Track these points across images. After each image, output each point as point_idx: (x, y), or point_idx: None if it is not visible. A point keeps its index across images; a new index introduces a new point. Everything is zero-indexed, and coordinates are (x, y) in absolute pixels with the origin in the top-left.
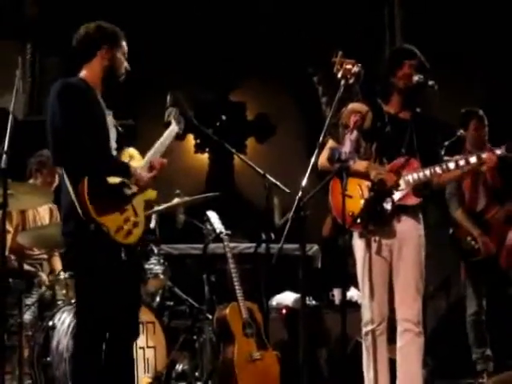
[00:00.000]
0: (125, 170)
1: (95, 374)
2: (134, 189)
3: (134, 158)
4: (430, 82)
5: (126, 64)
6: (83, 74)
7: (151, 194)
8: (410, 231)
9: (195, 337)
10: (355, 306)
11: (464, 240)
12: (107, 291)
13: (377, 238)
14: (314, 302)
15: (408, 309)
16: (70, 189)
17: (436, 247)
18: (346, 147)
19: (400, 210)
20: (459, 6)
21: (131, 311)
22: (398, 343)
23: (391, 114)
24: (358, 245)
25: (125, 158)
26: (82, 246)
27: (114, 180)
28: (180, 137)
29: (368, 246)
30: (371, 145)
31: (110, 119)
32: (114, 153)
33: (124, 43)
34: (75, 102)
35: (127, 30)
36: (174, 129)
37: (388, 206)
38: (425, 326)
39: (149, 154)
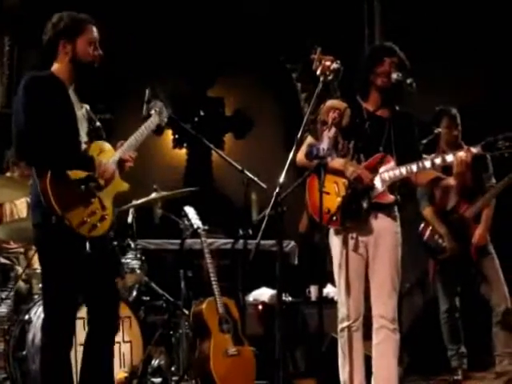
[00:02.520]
0: (88, 163)
1: (62, 367)
2: (101, 182)
3: (104, 151)
4: (408, 80)
5: (92, 51)
6: (53, 68)
7: (122, 186)
8: (385, 229)
9: (171, 332)
10: (331, 303)
11: (431, 238)
12: (70, 284)
13: (353, 235)
14: (290, 299)
15: (383, 305)
16: (37, 181)
17: (412, 244)
18: (324, 144)
19: (376, 207)
20: (439, 1)
21: (107, 305)
22: (374, 340)
23: (370, 112)
24: (335, 241)
25: (94, 151)
26: (46, 238)
27: (77, 173)
28: (158, 132)
29: (344, 242)
30: (349, 142)
31: (82, 112)
32: (84, 146)
33: (90, 30)
34: (39, 96)
35: (106, 25)
36: (153, 121)
37: (364, 203)
38: (400, 322)
39: (123, 147)
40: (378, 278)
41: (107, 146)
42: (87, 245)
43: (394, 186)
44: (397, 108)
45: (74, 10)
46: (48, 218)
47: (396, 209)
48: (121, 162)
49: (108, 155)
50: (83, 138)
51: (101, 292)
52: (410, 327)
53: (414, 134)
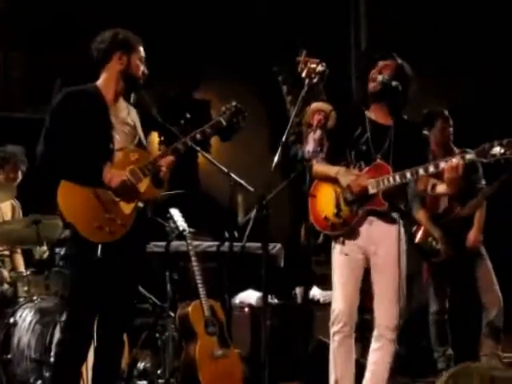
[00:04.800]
0: (95, 174)
1: (75, 366)
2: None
3: (136, 157)
4: (394, 83)
5: (142, 68)
6: (100, 79)
7: (153, 192)
8: (385, 236)
9: (157, 334)
10: (318, 305)
11: (425, 241)
12: (82, 288)
13: (350, 242)
14: (276, 301)
15: (385, 314)
16: None
17: None
18: (310, 146)
19: (373, 214)
20: (425, 5)
21: (119, 307)
22: (372, 346)
23: (372, 120)
24: (333, 247)
25: (127, 158)
26: (67, 243)
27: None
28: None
29: (341, 249)
30: (350, 150)
31: (127, 120)
32: (117, 154)
33: (140, 49)
34: (66, 110)
35: (91, 28)
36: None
37: (359, 210)
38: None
39: (157, 155)
40: (379, 286)
41: (142, 152)
42: (98, 250)
43: (389, 192)
44: (404, 117)
45: (61, 12)
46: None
47: (396, 215)
48: (156, 169)
49: (138, 162)
50: (116, 145)
51: (114, 297)
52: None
53: (417, 143)
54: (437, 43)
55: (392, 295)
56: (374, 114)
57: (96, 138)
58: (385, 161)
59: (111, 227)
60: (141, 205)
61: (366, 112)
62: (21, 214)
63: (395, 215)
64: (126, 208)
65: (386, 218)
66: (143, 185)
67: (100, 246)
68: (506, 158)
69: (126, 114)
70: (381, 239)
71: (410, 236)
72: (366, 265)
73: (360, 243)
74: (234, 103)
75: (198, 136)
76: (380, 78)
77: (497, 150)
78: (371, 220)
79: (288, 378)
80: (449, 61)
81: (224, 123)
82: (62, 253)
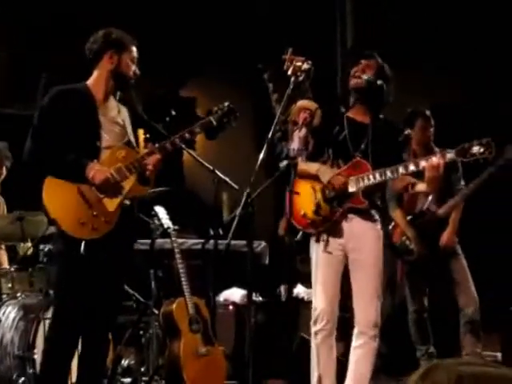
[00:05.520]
0: (79, 170)
1: (63, 362)
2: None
3: (123, 155)
4: (379, 82)
5: (134, 68)
6: (91, 78)
7: (139, 190)
8: (364, 233)
9: (141, 332)
10: (302, 303)
11: (400, 240)
12: (67, 284)
13: (330, 239)
14: (260, 299)
15: (364, 311)
16: None
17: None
18: (295, 144)
19: (352, 211)
20: (411, 4)
21: (104, 305)
22: (353, 343)
23: (350, 118)
24: (311, 244)
25: (115, 156)
26: (52, 239)
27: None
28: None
29: (321, 246)
30: (328, 148)
31: (117, 119)
32: (104, 152)
33: (134, 50)
34: (54, 108)
35: (79, 26)
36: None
37: (339, 208)
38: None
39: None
40: (358, 283)
41: (129, 150)
42: (82, 247)
43: (369, 190)
44: (381, 116)
45: (41, 11)
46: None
47: (375, 213)
48: (142, 167)
49: (125, 160)
50: (104, 143)
51: (99, 294)
52: (380, 327)
53: (394, 142)
54: (423, 42)
55: (372, 292)
56: (352, 112)
57: (83, 135)
58: (363, 159)
59: (95, 224)
60: (127, 202)
61: (344, 110)
62: (5, 211)
63: (374, 213)
64: (111, 205)
65: (365, 215)
66: (128, 182)
67: (83, 243)
68: (485, 158)
69: (115, 113)
70: (360, 236)
71: (387, 235)
72: (345, 262)
73: (339, 241)
74: (226, 103)
75: (187, 135)
76: (365, 76)
77: (476, 149)
78: (350, 217)
79: (272, 375)
80: (435, 59)
81: (214, 123)
82: (46, 249)
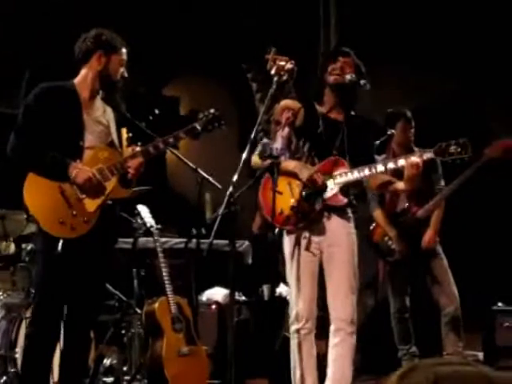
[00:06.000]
0: (62, 169)
1: (44, 358)
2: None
3: (107, 157)
4: (362, 82)
5: (122, 71)
6: (78, 77)
7: (120, 192)
8: (339, 230)
9: (124, 331)
10: (284, 302)
11: (381, 240)
12: (46, 282)
13: (306, 236)
14: (243, 298)
15: (341, 308)
16: None
17: (362, 245)
18: (278, 143)
19: (329, 209)
20: (395, 4)
21: (84, 305)
22: (331, 341)
23: (324, 114)
24: (287, 242)
25: (95, 157)
26: (34, 237)
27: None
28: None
29: (297, 243)
30: (303, 144)
31: (102, 119)
32: (86, 151)
33: (124, 53)
34: (40, 105)
35: (62, 25)
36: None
37: (317, 205)
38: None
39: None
40: (334, 279)
41: (111, 151)
42: (59, 245)
43: (346, 188)
44: (352, 112)
45: (25, 6)
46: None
47: (350, 210)
48: (124, 169)
49: (107, 161)
50: (86, 143)
51: (79, 294)
52: (362, 327)
53: (368, 138)
54: (406, 42)
55: (347, 289)
56: (326, 108)
57: (66, 134)
58: (339, 155)
59: (74, 223)
60: (109, 202)
61: (318, 106)
62: None
63: (349, 210)
64: (91, 205)
65: (340, 213)
66: (110, 184)
67: (61, 242)
68: (461, 158)
69: (100, 113)
70: (336, 234)
71: (368, 234)
72: (321, 259)
73: (316, 238)
74: (212, 110)
75: (171, 140)
76: (349, 76)
77: (453, 149)
78: (327, 215)
79: (255, 374)
80: (418, 60)
81: (199, 129)
82: (28, 248)
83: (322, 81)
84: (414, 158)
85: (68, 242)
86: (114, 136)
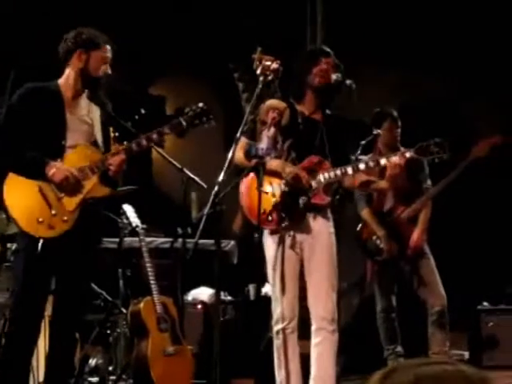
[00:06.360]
0: (39, 168)
1: (21, 360)
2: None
3: (88, 156)
4: (348, 81)
5: (104, 67)
6: (62, 76)
7: (100, 191)
8: (320, 230)
9: (109, 331)
10: (270, 302)
11: (369, 239)
12: (24, 281)
13: (288, 236)
14: (229, 298)
15: (322, 306)
16: None
17: (349, 244)
18: (263, 143)
19: (311, 209)
20: (381, 2)
21: (68, 305)
22: (312, 340)
23: (304, 114)
24: (269, 242)
25: (75, 156)
26: (16, 237)
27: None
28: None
29: (279, 243)
30: (283, 143)
31: (85, 119)
32: (69, 151)
33: (106, 49)
34: (23, 105)
35: (49, 22)
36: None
37: (300, 204)
38: (338, 322)
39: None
40: (315, 278)
41: (93, 150)
42: (39, 245)
43: (328, 187)
44: (327, 112)
45: (10, 6)
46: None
47: (329, 210)
48: (105, 167)
49: (89, 160)
50: (70, 142)
51: (62, 294)
52: (347, 327)
53: (347, 138)
54: (392, 41)
55: (328, 288)
56: (306, 108)
57: (49, 134)
58: (319, 154)
59: (52, 222)
60: (91, 201)
61: (297, 106)
62: None
63: (328, 210)
64: (70, 204)
65: (322, 213)
66: (90, 182)
67: (41, 241)
68: (440, 158)
69: (85, 113)
70: (316, 234)
71: (356, 234)
72: (302, 259)
73: (298, 238)
74: (200, 104)
75: (155, 137)
76: (334, 76)
77: (433, 148)
78: (309, 215)
79: (240, 374)
80: (404, 59)
81: (184, 124)
82: (13, 248)
83: (303, 82)
84: (395, 158)
85: (48, 241)
86: (98, 135)
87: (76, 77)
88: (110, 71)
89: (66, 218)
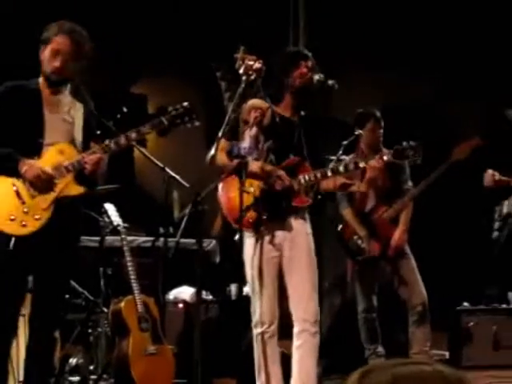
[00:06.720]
0: (12, 165)
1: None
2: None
3: (64, 153)
4: (330, 82)
5: (52, 62)
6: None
7: (74, 189)
8: (299, 231)
9: (90, 330)
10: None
11: (351, 239)
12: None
13: (268, 237)
14: (210, 297)
15: (304, 308)
16: None
17: (331, 244)
18: (246, 143)
19: (292, 210)
20: (364, 6)
21: (45, 304)
22: (294, 342)
23: (281, 115)
24: (249, 244)
25: (56, 154)
26: None
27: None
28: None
29: (258, 245)
30: (264, 143)
31: (66, 116)
32: (46, 148)
33: (57, 41)
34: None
35: (29, 20)
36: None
37: (282, 205)
38: (319, 322)
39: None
40: (295, 280)
41: (70, 148)
42: (11, 243)
43: (308, 189)
44: (303, 113)
45: None
46: None
47: (307, 211)
48: (81, 166)
49: (66, 158)
50: (48, 140)
51: (38, 291)
52: (329, 327)
53: (323, 138)
54: (374, 43)
55: (310, 289)
56: (283, 109)
57: (26, 132)
58: (298, 156)
59: (24, 220)
60: (66, 199)
61: (275, 107)
62: None
63: (306, 212)
64: (43, 202)
65: (301, 214)
66: (64, 181)
67: (13, 239)
68: (414, 161)
69: (66, 111)
70: (295, 236)
71: (338, 234)
72: (281, 261)
73: (278, 239)
74: (185, 104)
75: (134, 135)
76: (317, 76)
77: (408, 152)
78: (289, 216)
79: (221, 374)
80: (386, 60)
81: (165, 123)
82: None
83: (282, 84)
84: (373, 162)
85: (21, 239)
86: (78, 134)
87: (43, 74)
88: (57, 63)
89: (38, 216)
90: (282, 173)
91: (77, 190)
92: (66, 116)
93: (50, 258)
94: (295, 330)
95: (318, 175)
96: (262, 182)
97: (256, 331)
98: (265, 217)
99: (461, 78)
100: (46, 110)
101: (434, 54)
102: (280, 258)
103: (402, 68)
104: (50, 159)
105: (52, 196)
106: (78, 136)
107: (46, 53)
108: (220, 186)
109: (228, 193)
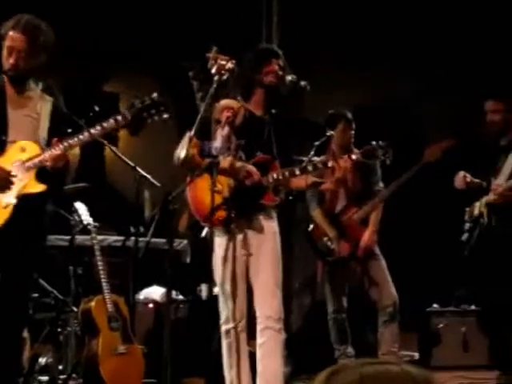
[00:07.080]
0: None
1: None
2: None
3: (26, 151)
4: (303, 83)
5: (9, 59)
6: None
7: (34, 187)
8: (266, 229)
9: (59, 329)
10: None
11: (321, 240)
12: None
13: (237, 235)
14: (181, 297)
15: (268, 306)
16: None
17: (301, 245)
18: (217, 142)
19: (258, 208)
20: (339, 4)
21: (9, 303)
22: (258, 340)
23: (251, 112)
24: (218, 242)
25: (14, 150)
26: None
27: None
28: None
29: (229, 243)
30: (234, 144)
31: (23, 112)
32: (9, 146)
33: (9, 37)
34: None
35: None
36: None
37: (250, 203)
38: (289, 323)
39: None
40: (261, 278)
41: (32, 146)
42: None
43: (277, 188)
44: (273, 111)
45: None
46: None
47: (274, 210)
48: (42, 163)
49: (27, 155)
50: (15, 137)
51: (2, 290)
52: (299, 327)
53: (292, 137)
54: (348, 42)
55: (274, 287)
56: (253, 106)
57: None
58: (268, 154)
59: None
60: (31, 198)
61: (244, 104)
62: None
63: (273, 210)
64: (5, 198)
65: (268, 212)
66: (23, 179)
67: None
68: (383, 161)
69: (31, 107)
70: (262, 234)
71: (308, 235)
72: (248, 259)
73: (246, 238)
74: (153, 95)
75: (95, 131)
76: (289, 77)
77: (377, 152)
78: (257, 214)
79: (191, 373)
80: (359, 60)
81: (129, 117)
82: None
83: (252, 81)
84: (342, 161)
85: None
86: (44, 131)
87: (3, 72)
88: (11, 60)
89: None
90: (251, 168)
91: (38, 187)
92: (31, 113)
93: (12, 256)
94: (259, 327)
95: (287, 174)
96: (231, 180)
97: (226, 327)
98: (233, 215)
99: (435, 78)
100: (10, 107)
101: (409, 53)
102: (247, 257)
103: (375, 68)
104: (11, 157)
105: (12, 195)
106: (43, 133)
107: (4, 49)
108: (189, 184)
109: (196, 190)
